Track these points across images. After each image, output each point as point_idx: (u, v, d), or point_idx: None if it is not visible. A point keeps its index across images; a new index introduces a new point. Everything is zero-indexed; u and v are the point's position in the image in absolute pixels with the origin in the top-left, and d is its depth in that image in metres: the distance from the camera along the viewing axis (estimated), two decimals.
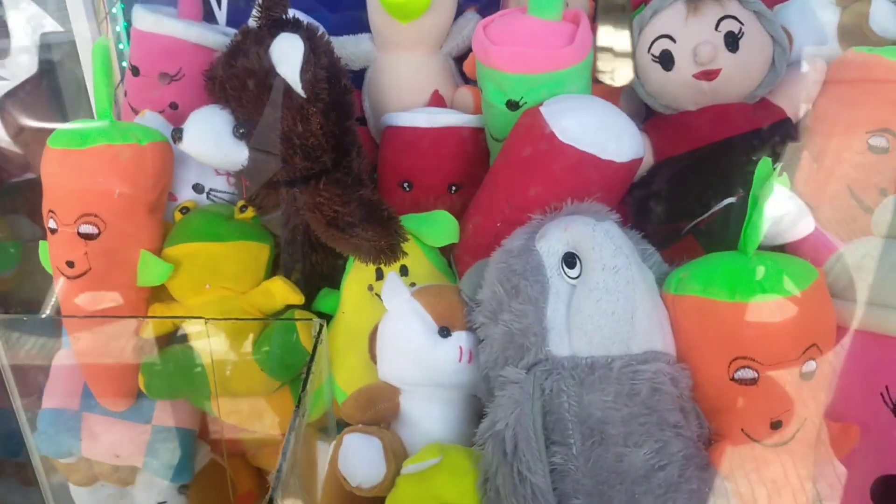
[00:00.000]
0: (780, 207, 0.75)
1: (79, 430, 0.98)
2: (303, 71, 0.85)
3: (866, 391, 0.73)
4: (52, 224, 0.90)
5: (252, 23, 0.93)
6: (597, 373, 0.69)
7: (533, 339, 0.72)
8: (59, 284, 0.93)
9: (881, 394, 0.72)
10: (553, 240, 0.75)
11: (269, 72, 0.87)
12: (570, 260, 0.73)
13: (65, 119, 1.26)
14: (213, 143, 0.90)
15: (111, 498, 1.05)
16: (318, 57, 0.87)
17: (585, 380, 0.69)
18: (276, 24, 0.91)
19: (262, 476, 1.13)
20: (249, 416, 1.01)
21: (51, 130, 1.21)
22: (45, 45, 1.27)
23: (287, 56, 0.86)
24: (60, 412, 0.99)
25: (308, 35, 0.89)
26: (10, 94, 1.23)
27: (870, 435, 0.73)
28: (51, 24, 1.31)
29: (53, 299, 1.01)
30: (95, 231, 0.89)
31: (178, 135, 0.90)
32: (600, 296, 0.69)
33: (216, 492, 1.06)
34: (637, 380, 0.69)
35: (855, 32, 0.95)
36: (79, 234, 0.89)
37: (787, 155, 0.91)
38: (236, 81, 0.89)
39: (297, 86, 0.86)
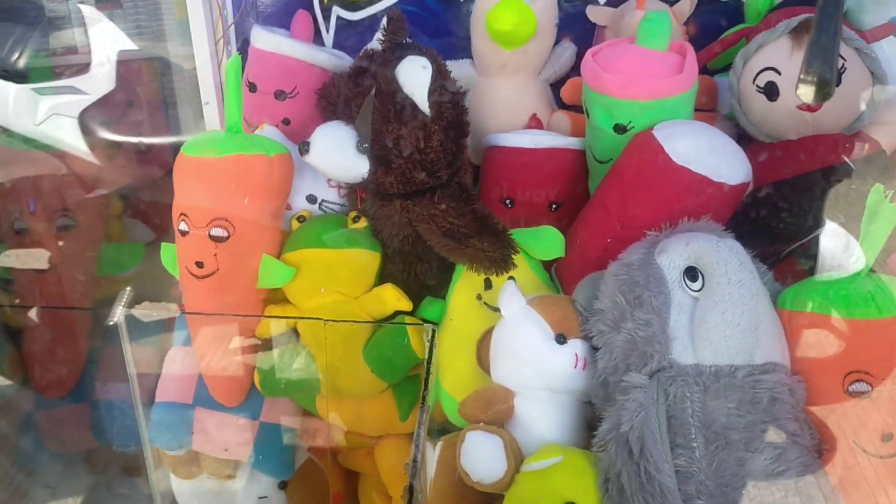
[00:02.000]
0: None
1: (191, 424, 1.03)
2: (430, 92, 0.91)
3: None
4: (182, 227, 0.96)
5: (375, 45, 0.99)
6: (721, 381, 0.73)
7: (657, 346, 0.76)
8: (186, 284, 0.98)
9: None
10: (674, 254, 0.79)
11: (396, 91, 0.93)
12: (692, 273, 0.77)
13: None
14: (337, 156, 0.95)
15: (211, 492, 1.10)
16: (442, 78, 0.93)
17: (710, 387, 0.73)
18: (399, 47, 0.97)
19: (350, 478, 1.18)
20: (351, 417, 1.05)
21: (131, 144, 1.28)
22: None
23: (415, 77, 0.91)
24: (174, 406, 1.04)
25: (432, 58, 0.94)
26: (90, 108, 1.28)
27: None
28: (127, 43, 1.39)
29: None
30: (225, 234, 0.94)
31: (305, 148, 0.95)
32: (726, 308, 0.73)
33: (313, 490, 1.10)
34: (759, 388, 0.73)
35: None
36: (210, 236, 0.94)
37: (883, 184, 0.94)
38: (362, 100, 0.94)
39: (424, 105, 0.91)
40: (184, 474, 1.09)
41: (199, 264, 0.95)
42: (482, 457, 0.80)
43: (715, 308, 0.74)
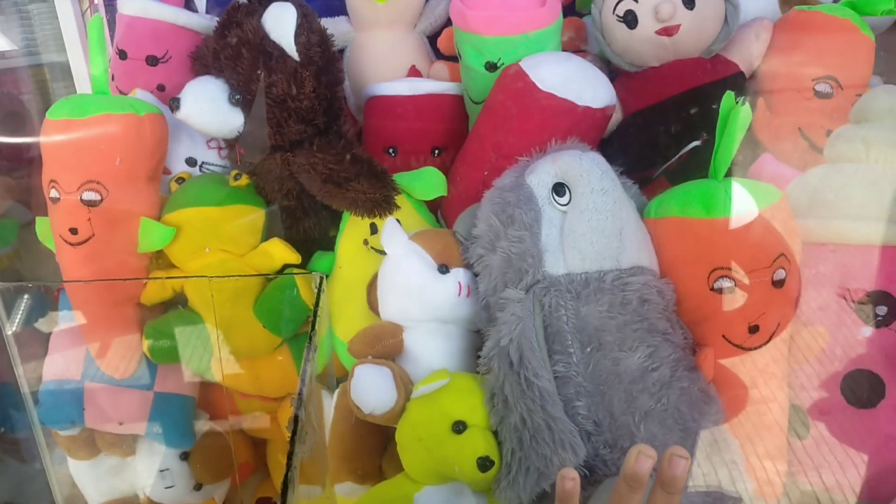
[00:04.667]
0: None
1: (81, 400, 1.00)
2: (296, 35, 0.91)
3: (831, 296, 0.80)
4: (53, 194, 0.93)
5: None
6: (591, 286, 0.76)
7: (530, 260, 0.78)
8: (62, 254, 0.95)
9: (844, 297, 0.80)
10: (542, 173, 0.81)
11: (263, 39, 0.92)
12: (559, 189, 0.80)
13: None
14: (209, 110, 0.94)
15: (113, 470, 1.07)
16: (309, 23, 0.93)
17: (581, 293, 0.76)
18: None
19: (257, 448, 1.16)
20: (249, 379, 1.04)
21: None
22: None
23: (280, 22, 0.91)
24: (62, 382, 1.00)
25: (297, 3, 0.94)
26: None
27: (836, 336, 0.81)
28: None
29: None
30: (98, 198, 0.92)
31: (175, 104, 0.94)
32: (591, 216, 0.76)
33: (217, 459, 1.08)
34: (627, 291, 0.76)
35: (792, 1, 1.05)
36: (82, 200, 0.92)
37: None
38: (230, 51, 0.94)
39: (292, 49, 0.91)
40: (81, 455, 1.06)
41: (73, 231, 0.92)
42: (372, 388, 0.80)
43: (581, 217, 0.76)
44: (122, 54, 1.10)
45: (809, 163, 0.92)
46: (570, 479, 0.57)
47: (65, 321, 1.02)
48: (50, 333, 1.04)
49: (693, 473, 0.78)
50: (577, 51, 1.13)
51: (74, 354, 1.01)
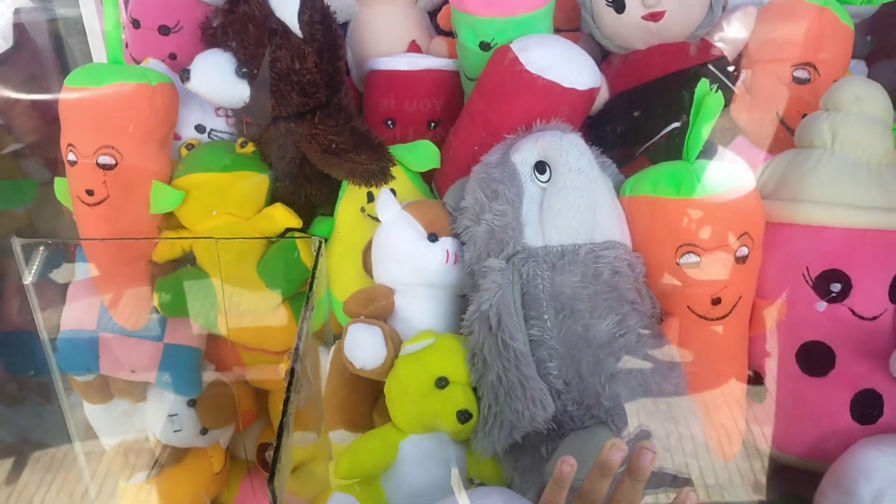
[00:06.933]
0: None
1: (97, 349, 1.08)
2: (300, 13, 0.96)
3: (790, 272, 0.87)
4: (71, 157, 0.99)
5: None
6: (566, 258, 0.82)
7: (511, 233, 0.84)
8: (79, 213, 1.02)
9: (802, 274, 0.86)
10: (526, 151, 0.87)
11: (268, 16, 0.97)
12: (541, 167, 0.86)
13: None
14: (217, 82, 1.00)
15: (125, 414, 1.15)
16: (312, 1, 0.98)
17: (556, 264, 0.82)
18: None
19: (260, 398, 1.24)
20: (252, 334, 1.12)
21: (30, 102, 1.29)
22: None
23: (285, 0, 0.96)
24: (79, 332, 1.08)
25: None
26: None
27: (794, 309, 0.87)
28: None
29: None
30: (113, 162, 0.98)
31: (185, 75, 1.00)
32: (568, 193, 0.82)
33: (222, 406, 1.16)
34: (600, 263, 0.82)
35: None
36: (97, 164, 0.98)
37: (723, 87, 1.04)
38: (238, 26, 0.99)
39: (295, 27, 0.96)
40: (95, 400, 1.14)
41: (90, 192, 0.99)
42: (363, 345, 0.87)
43: (559, 194, 0.82)
44: (136, 23, 1.16)
45: (784, 147, 0.98)
46: (568, 465, 0.62)
47: (81, 275, 1.09)
48: (66, 285, 1.11)
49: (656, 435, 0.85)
50: (571, 30, 1.17)
51: (90, 306, 1.08)
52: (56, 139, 1.02)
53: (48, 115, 1.22)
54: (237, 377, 1.19)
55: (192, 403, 1.13)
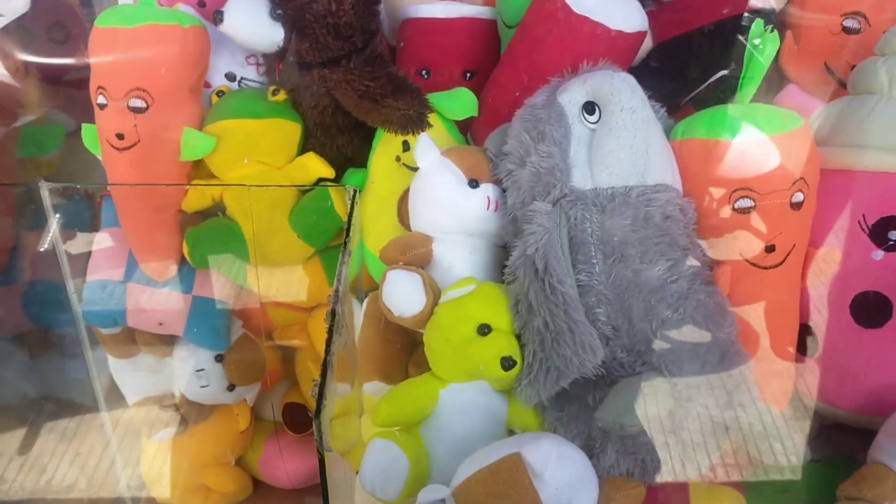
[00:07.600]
0: None
1: (124, 300, 1.05)
2: None
3: (846, 220, 0.84)
4: (101, 100, 0.97)
5: None
6: (616, 200, 0.79)
7: (558, 175, 0.81)
8: (108, 159, 0.99)
9: (858, 222, 0.83)
10: (574, 92, 0.84)
11: None
12: (589, 107, 0.83)
13: None
14: (251, 23, 0.97)
15: (150, 369, 1.13)
16: None
17: (606, 207, 0.79)
18: None
19: (286, 356, 1.22)
20: (281, 287, 1.09)
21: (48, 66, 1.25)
22: None
23: None
24: (106, 283, 1.06)
25: None
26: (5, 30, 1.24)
27: (849, 259, 0.84)
28: None
29: None
30: (144, 105, 0.95)
31: (219, 17, 0.97)
32: (620, 133, 0.79)
33: (249, 362, 1.14)
34: (651, 206, 0.79)
35: None
36: (128, 107, 0.95)
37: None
38: None
39: None
40: (121, 354, 1.12)
41: (120, 136, 0.96)
42: (402, 292, 0.85)
43: (610, 134, 0.79)
44: None
45: (833, 97, 0.95)
46: None
47: (108, 226, 1.07)
48: (92, 237, 1.09)
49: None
50: None
51: (117, 257, 1.06)
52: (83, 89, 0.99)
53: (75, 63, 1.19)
54: (265, 334, 1.17)
55: (219, 358, 1.11)
